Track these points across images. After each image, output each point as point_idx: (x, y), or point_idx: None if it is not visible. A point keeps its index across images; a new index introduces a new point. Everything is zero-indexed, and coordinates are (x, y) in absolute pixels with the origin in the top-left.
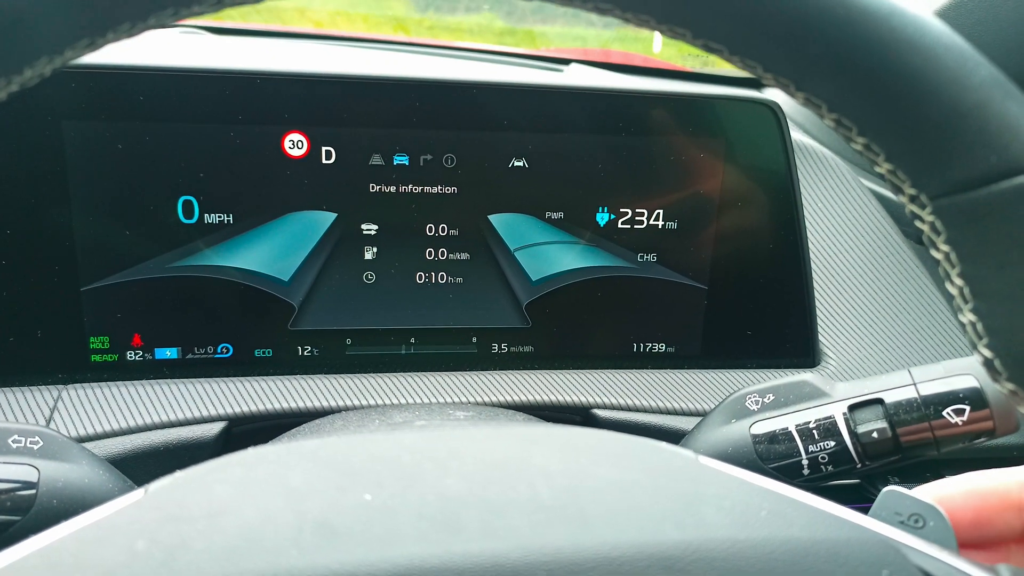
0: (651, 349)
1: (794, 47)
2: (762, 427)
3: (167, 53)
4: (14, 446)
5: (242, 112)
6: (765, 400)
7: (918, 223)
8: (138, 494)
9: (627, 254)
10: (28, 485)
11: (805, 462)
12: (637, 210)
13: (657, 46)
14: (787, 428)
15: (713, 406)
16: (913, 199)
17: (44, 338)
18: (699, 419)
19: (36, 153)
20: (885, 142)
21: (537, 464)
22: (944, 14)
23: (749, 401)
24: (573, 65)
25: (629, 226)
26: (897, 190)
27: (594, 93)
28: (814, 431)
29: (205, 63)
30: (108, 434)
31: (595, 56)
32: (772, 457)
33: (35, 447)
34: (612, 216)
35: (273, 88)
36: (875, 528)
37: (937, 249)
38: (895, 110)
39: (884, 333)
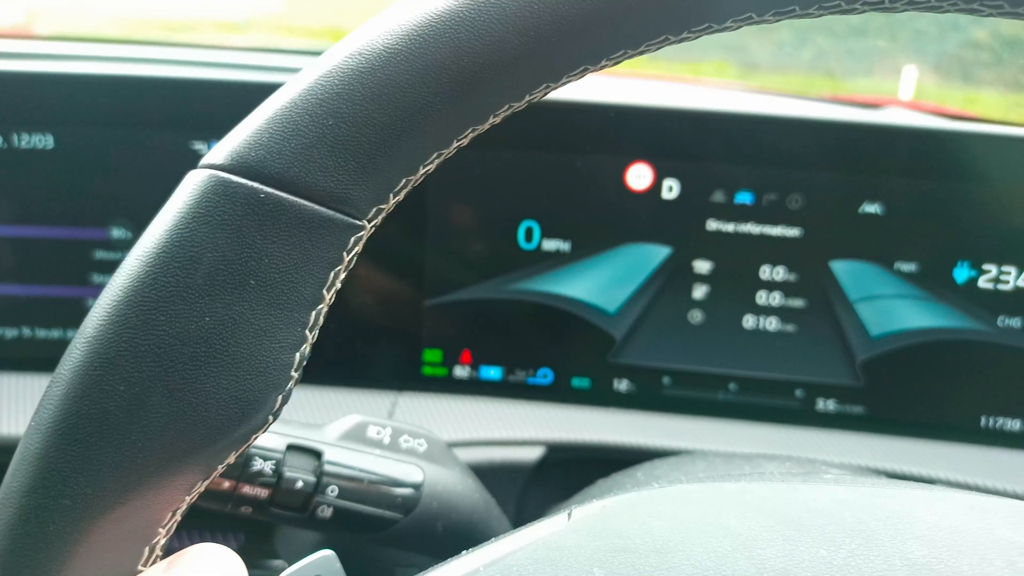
0: (1002, 426)
1: None
2: None
3: None
4: (404, 445)
5: (589, 142)
6: None
7: None
8: (561, 519)
9: (985, 316)
10: (415, 486)
11: None
12: (1004, 268)
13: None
14: None
15: None
16: None
17: (385, 346)
18: None
19: None
20: None
21: (1003, 537)
22: None
23: None
24: (890, 107)
25: (992, 285)
26: None
27: (967, 136)
28: None
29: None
30: None
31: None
32: None
33: (420, 449)
34: (974, 272)
35: (622, 119)
36: None
37: None
38: None
39: None
